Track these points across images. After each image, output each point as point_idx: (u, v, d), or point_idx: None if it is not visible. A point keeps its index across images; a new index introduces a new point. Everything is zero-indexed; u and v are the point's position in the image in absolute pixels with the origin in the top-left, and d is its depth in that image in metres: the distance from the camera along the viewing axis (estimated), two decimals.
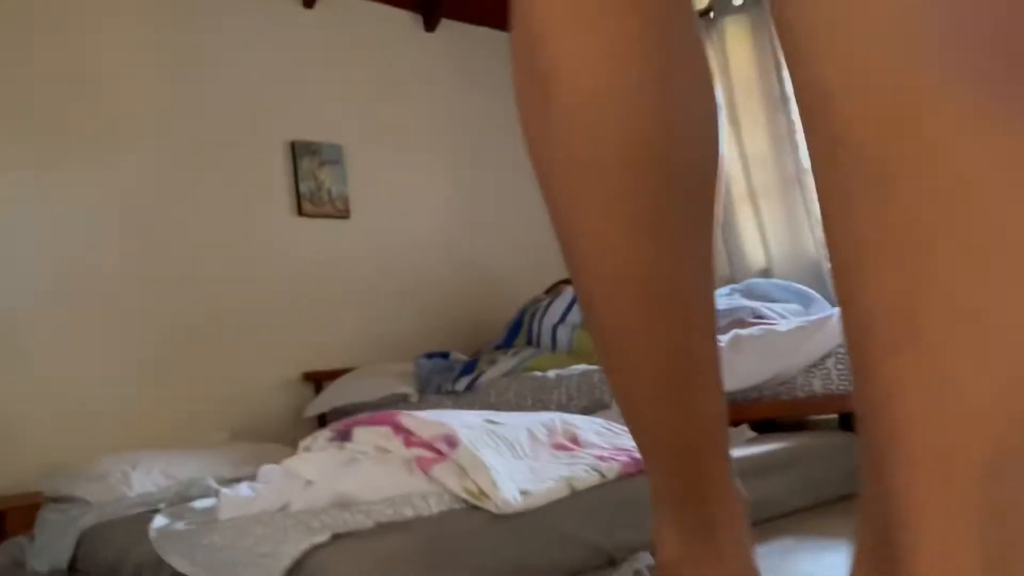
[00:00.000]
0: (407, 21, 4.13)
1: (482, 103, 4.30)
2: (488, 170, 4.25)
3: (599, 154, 0.59)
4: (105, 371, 3.02)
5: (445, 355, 3.29)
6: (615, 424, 1.52)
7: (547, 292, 3.68)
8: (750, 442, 1.59)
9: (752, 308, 2.73)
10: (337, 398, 3.27)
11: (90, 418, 2.95)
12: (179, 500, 1.97)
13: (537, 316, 3.11)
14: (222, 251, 3.38)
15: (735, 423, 1.92)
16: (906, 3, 0.41)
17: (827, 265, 3.79)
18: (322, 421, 3.45)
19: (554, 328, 3.02)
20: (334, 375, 3.45)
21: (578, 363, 2.86)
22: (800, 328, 1.96)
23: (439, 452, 1.22)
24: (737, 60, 4.16)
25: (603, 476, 1.26)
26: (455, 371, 3.05)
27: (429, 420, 1.27)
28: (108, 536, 1.79)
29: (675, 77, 0.59)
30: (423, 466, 1.23)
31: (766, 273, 4.09)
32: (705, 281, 0.64)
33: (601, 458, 1.32)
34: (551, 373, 2.62)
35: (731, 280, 4.23)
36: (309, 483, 1.32)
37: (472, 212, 4.15)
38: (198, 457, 2.77)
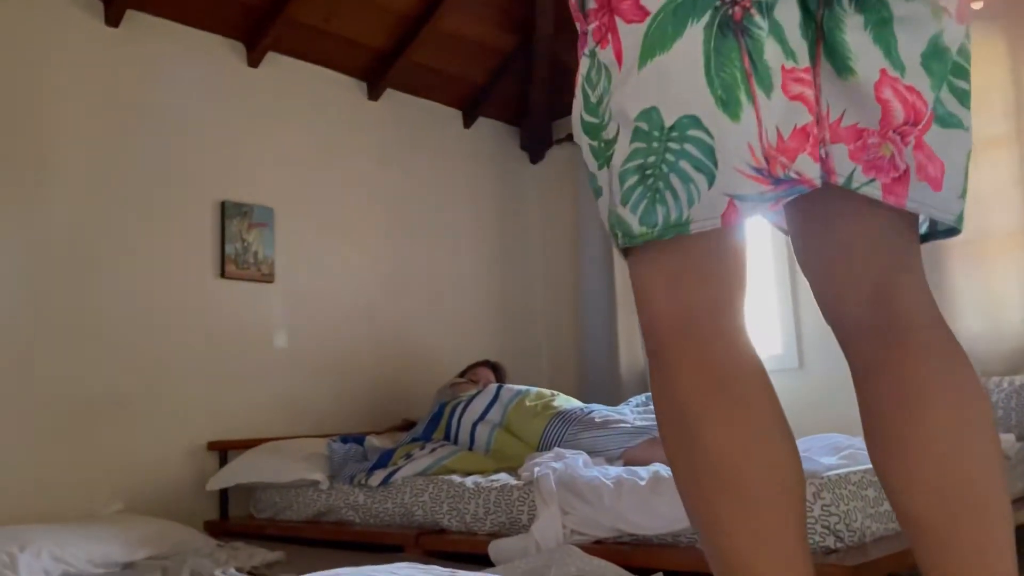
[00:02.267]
0: (351, 87, 4.12)
1: (419, 175, 4.32)
2: (419, 245, 4.26)
3: None
4: None
5: (360, 440, 3.24)
6: None
7: (461, 375, 3.68)
8: None
9: None
10: (243, 475, 3.18)
11: None
12: None
13: (458, 411, 3.11)
14: (138, 309, 3.26)
15: (651, 569, 1.96)
16: None
17: None
18: (224, 496, 3.34)
19: (474, 426, 3.03)
20: (242, 446, 3.36)
21: (496, 466, 2.87)
22: None
23: None
24: None
25: None
26: (369, 461, 3.01)
27: None
28: None
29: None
30: None
31: None
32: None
33: None
34: (469, 481, 2.62)
35: (644, 374, 4.34)
36: None
37: (399, 286, 4.13)
38: (90, 536, 2.65)
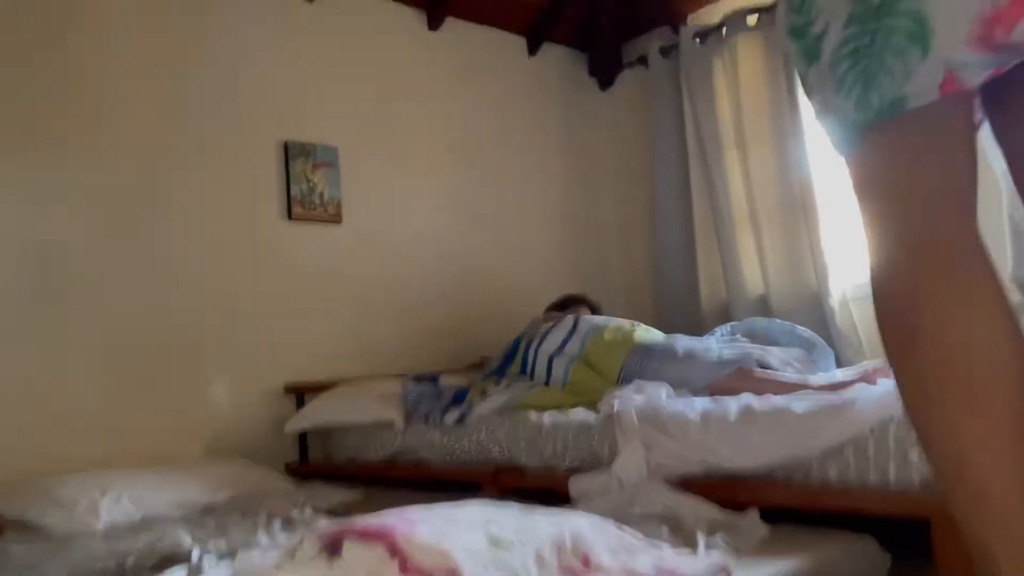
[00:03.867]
0: (410, 18, 3.96)
1: (484, 108, 4.16)
2: (489, 179, 4.12)
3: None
4: (76, 377, 2.88)
5: (434, 379, 3.17)
6: (627, 529, 1.42)
7: (548, 311, 3.52)
8: (762, 551, 1.49)
9: (757, 356, 2.63)
10: (319, 416, 3.16)
11: (59, 428, 2.81)
12: (148, 555, 1.85)
13: (533, 344, 2.98)
14: (206, 254, 3.23)
15: (744, 506, 1.82)
16: None
17: (829, 300, 3.70)
18: (303, 438, 3.33)
19: (550, 359, 2.90)
20: (318, 388, 3.34)
21: (574, 400, 2.75)
22: (819, 411, 1.86)
23: None
24: (747, 79, 4.04)
25: None
26: (444, 400, 2.94)
27: (428, 544, 1.16)
28: None
29: None
30: None
31: (763, 300, 4.00)
32: None
33: None
34: (546, 418, 2.51)
35: (727, 304, 4.14)
36: None
37: (468, 221, 4.02)
38: (170, 479, 2.66)
